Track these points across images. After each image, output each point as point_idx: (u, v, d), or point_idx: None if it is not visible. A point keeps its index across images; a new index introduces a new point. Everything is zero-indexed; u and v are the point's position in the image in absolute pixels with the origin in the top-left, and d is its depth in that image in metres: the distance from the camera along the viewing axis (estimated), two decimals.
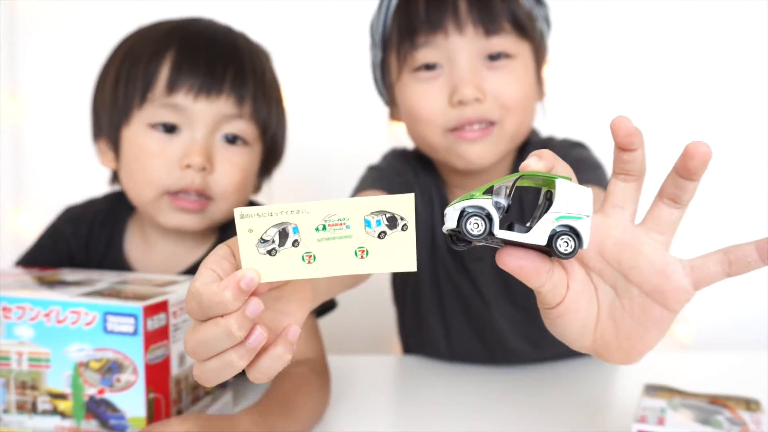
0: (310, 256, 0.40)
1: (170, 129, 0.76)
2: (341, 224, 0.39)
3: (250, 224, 0.39)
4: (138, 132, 0.77)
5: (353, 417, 0.72)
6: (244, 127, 0.78)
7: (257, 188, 0.88)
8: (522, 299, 0.85)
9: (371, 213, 0.39)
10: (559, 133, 0.89)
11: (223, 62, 0.77)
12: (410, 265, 0.40)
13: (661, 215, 0.42)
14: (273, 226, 0.39)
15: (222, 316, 0.38)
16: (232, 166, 0.78)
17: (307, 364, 0.73)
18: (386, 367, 0.90)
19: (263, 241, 0.39)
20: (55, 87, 1.57)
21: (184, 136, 0.76)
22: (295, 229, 0.39)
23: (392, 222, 0.39)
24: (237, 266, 0.41)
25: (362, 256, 0.39)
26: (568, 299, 0.43)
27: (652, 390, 0.66)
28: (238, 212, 0.39)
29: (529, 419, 0.71)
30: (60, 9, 1.59)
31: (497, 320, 0.86)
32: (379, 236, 0.39)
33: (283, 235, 0.39)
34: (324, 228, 0.39)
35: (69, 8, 1.58)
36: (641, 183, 0.43)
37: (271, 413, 0.63)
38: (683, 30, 1.53)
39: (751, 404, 0.63)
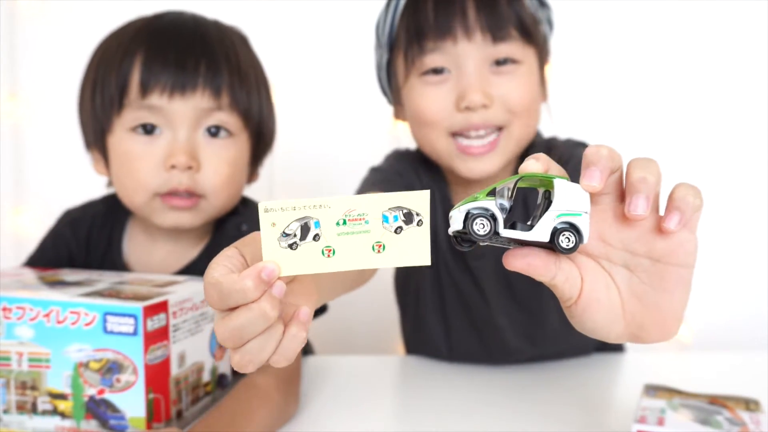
0: (330, 250, 0.41)
1: (150, 130, 0.76)
2: (360, 219, 0.40)
3: (273, 218, 0.40)
4: (121, 138, 0.77)
5: (353, 417, 0.72)
6: (225, 118, 0.78)
7: (252, 177, 0.87)
8: (524, 296, 0.85)
9: (389, 209, 0.40)
10: (563, 133, 0.89)
11: (193, 56, 0.76)
12: (424, 259, 0.41)
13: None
14: (295, 221, 0.40)
15: (247, 304, 0.39)
16: (218, 160, 0.77)
17: (276, 374, 0.71)
18: (386, 367, 0.90)
19: (285, 235, 0.40)
20: (55, 87, 1.57)
21: (166, 137, 0.76)
22: (317, 224, 0.40)
23: (408, 218, 0.41)
24: (246, 265, 0.42)
25: (379, 251, 0.41)
26: (587, 289, 0.44)
27: (652, 390, 0.66)
28: (262, 206, 0.40)
29: (529, 419, 0.71)
30: (60, 9, 1.59)
31: (497, 318, 0.86)
32: (395, 231, 0.41)
33: (305, 229, 0.40)
34: (344, 222, 0.40)
35: (69, 8, 1.58)
36: (622, 173, 0.44)
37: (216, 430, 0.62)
38: (686, 30, 1.53)
39: (750, 404, 0.63)
